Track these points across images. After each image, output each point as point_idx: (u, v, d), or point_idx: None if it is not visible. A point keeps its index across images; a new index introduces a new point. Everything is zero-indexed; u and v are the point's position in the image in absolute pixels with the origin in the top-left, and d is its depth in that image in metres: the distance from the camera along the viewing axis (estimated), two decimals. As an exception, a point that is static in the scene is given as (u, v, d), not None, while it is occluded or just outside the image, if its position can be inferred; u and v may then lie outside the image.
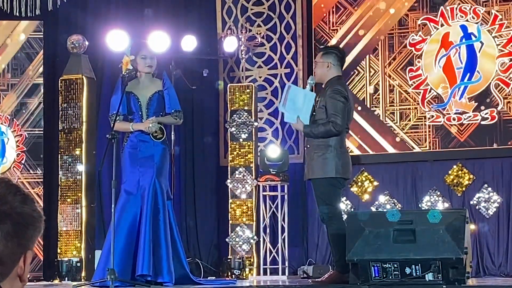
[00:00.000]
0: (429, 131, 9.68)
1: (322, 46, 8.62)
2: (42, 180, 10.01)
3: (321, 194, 6.84)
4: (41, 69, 10.19)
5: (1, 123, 10.14)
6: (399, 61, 9.99)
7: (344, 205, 9.53)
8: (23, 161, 10.05)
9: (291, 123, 7.16)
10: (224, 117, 10.18)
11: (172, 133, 9.61)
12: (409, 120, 9.79)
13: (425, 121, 9.72)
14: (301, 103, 6.92)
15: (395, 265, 6.12)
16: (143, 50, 7.32)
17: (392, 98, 9.95)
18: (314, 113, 6.94)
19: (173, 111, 7.31)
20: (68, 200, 9.49)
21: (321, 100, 6.90)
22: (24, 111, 10.15)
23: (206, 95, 10.38)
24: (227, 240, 9.59)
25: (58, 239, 9.46)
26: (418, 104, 9.76)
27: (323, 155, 6.79)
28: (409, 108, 9.84)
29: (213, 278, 9.14)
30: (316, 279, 7.31)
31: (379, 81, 9.98)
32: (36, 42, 10.23)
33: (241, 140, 9.70)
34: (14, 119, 10.11)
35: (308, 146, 6.93)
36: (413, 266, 6.09)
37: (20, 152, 10.08)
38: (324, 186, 6.80)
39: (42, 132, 10.10)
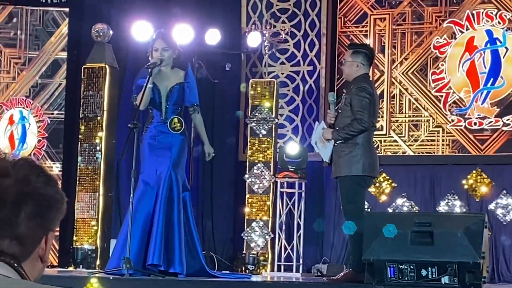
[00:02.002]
0: (443, 146, 9.61)
1: (351, 44, 8.60)
2: (61, 172, 10.03)
3: (346, 192, 6.81)
4: (63, 43, 10.21)
5: (23, 107, 10.19)
6: (412, 62, 9.92)
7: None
8: (43, 148, 10.09)
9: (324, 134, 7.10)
10: (245, 112, 10.18)
11: (192, 125, 9.62)
12: (420, 133, 9.70)
13: (438, 135, 9.63)
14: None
15: (411, 267, 6.10)
16: (156, 42, 7.31)
17: (402, 107, 9.87)
18: (339, 111, 6.95)
19: (190, 105, 7.31)
20: (86, 188, 9.52)
21: (346, 97, 6.89)
22: (42, 92, 10.18)
23: (228, 89, 10.38)
24: (242, 235, 9.59)
25: (75, 227, 9.49)
26: (431, 115, 9.65)
27: (350, 153, 6.76)
28: (421, 120, 9.74)
29: (227, 272, 9.14)
30: (331, 277, 7.30)
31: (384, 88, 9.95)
32: (61, 15, 10.24)
33: (260, 135, 9.70)
34: (37, 105, 10.15)
35: (336, 144, 6.91)
36: (429, 268, 6.06)
37: (41, 138, 10.11)
38: (350, 184, 6.77)
39: (62, 117, 10.14)
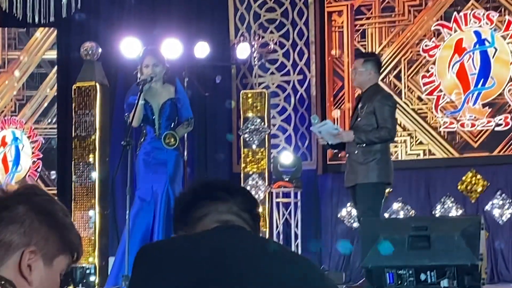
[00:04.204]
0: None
1: (360, 53, 8.70)
2: (55, 191, 10.04)
3: (364, 198, 6.86)
4: (48, 42, 10.16)
5: (16, 128, 10.16)
6: (387, 64, 9.81)
7: (356, 211, 9.49)
8: (38, 169, 10.06)
9: (339, 134, 7.05)
10: (237, 124, 10.18)
11: (185, 139, 9.61)
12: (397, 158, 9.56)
13: (418, 158, 9.58)
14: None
15: (410, 272, 6.09)
16: (145, 58, 7.33)
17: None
18: (358, 119, 6.95)
19: (185, 119, 7.32)
20: (82, 207, 9.50)
21: (367, 105, 6.88)
22: (28, 104, 10.13)
23: (219, 101, 10.38)
24: (240, 246, 9.57)
25: (72, 246, 9.45)
26: (411, 134, 9.60)
27: (369, 160, 6.83)
28: (397, 141, 9.63)
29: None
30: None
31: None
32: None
33: (254, 146, 9.70)
34: (31, 125, 10.12)
35: (350, 153, 6.94)
36: (428, 272, 6.06)
37: (36, 159, 10.08)
38: (369, 191, 6.84)
39: (54, 133, 10.13)
